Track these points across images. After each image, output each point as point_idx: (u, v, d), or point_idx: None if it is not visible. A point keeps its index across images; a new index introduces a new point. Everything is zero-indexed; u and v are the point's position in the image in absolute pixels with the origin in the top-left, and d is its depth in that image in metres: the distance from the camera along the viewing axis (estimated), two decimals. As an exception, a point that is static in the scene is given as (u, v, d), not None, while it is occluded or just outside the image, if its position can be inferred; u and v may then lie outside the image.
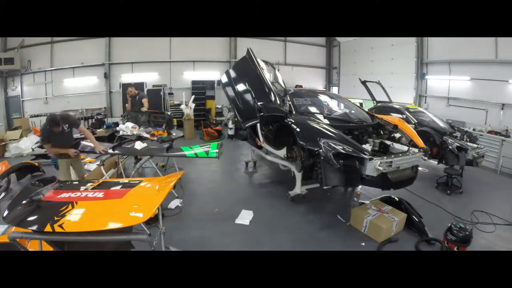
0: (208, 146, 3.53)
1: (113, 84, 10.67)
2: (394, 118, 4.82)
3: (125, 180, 2.53)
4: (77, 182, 2.38)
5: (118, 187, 2.08)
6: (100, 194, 1.92)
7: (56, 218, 1.59)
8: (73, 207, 1.73)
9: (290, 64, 13.01)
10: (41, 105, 10.24)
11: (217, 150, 3.31)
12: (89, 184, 2.17)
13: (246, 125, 4.66)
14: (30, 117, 9.57)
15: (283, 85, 4.95)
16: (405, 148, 3.83)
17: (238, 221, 3.79)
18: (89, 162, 5.59)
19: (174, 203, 4.17)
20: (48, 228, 1.54)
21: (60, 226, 1.54)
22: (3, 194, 4.32)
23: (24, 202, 1.88)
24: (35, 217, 1.69)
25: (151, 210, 1.66)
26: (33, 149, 7.13)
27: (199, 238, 3.41)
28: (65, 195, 1.93)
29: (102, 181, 2.27)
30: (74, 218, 1.63)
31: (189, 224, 3.72)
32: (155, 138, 5.46)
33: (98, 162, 4.72)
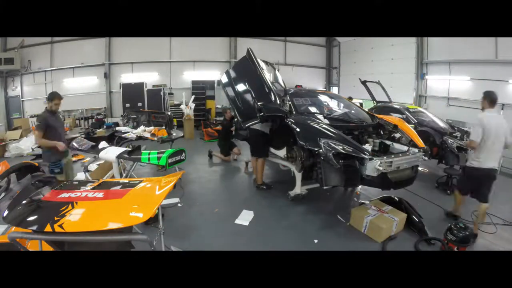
0: (163, 152, 3.19)
1: (113, 84, 10.68)
2: (394, 118, 4.82)
3: (125, 180, 2.52)
4: (77, 182, 2.38)
5: (118, 187, 2.07)
6: (100, 194, 1.91)
7: (56, 218, 1.59)
8: (73, 207, 1.72)
9: (290, 64, 13.01)
10: (41, 105, 10.20)
11: (168, 158, 3.07)
12: (89, 184, 2.17)
13: (246, 125, 4.66)
14: (30, 117, 9.57)
15: (283, 85, 4.95)
16: (405, 148, 3.83)
17: (238, 221, 3.79)
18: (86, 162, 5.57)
19: (173, 203, 4.17)
20: (48, 228, 1.53)
21: (60, 226, 1.53)
22: (3, 194, 4.32)
23: (24, 202, 1.88)
24: (35, 217, 1.69)
25: (151, 210, 1.65)
26: (33, 149, 7.13)
27: (199, 238, 3.41)
28: (65, 195, 1.93)
29: (102, 181, 2.27)
30: (74, 218, 1.63)
31: (189, 224, 3.72)
32: (155, 138, 5.47)
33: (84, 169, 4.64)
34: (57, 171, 3.81)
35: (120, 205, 1.79)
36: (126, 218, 1.62)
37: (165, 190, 1.96)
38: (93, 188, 2.06)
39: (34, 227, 1.59)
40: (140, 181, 2.18)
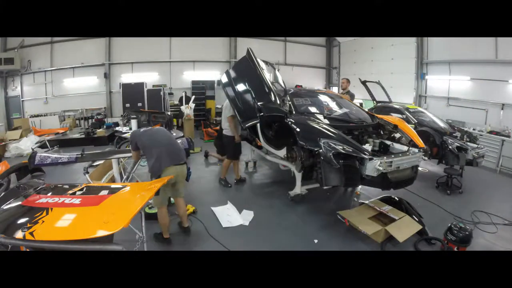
0: None
1: (113, 84, 10.67)
2: (394, 118, 4.82)
3: (109, 185, 2.46)
4: (66, 186, 2.29)
5: (99, 193, 2.03)
6: (77, 201, 1.88)
7: (28, 225, 1.58)
8: (47, 213, 1.71)
9: (290, 64, 13.00)
10: (41, 105, 10.24)
11: None
12: (75, 189, 2.14)
13: (246, 125, 4.66)
14: (30, 117, 9.56)
15: (283, 85, 4.95)
16: (405, 148, 3.83)
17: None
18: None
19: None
20: (19, 235, 1.51)
21: (31, 234, 1.51)
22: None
23: (4, 205, 1.87)
24: (9, 222, 1.67)
25: (124, 222, 1.56)
26: (33, 149, 7.12)
27: (199, 238, 3.41)
28: (43, 200, 1.91)
29: (85, 186, 2.24)
30: (46, 226, 1.59)
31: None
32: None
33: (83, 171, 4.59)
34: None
35: (94, 213, 1.75)
36: (95, 230, 1.57)
37: (145, 197, 1.92)
38: (73, 194, 2.03)
39: (7, 233, 1.57)
40: (124, 187, 2.14)
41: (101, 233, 1.53)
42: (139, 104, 9.84)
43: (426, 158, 4.00)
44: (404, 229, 3.26)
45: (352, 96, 6.65)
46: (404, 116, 5.99)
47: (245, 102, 4.65)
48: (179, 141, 4.21)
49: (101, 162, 5.08)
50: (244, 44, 10.90)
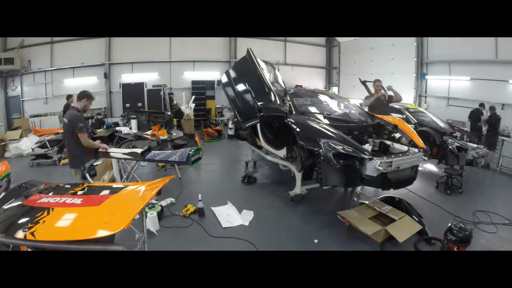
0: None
1: (113, 84, 10.67)
2: (394, 118, 4.82)
3: (110, 185, 2.45)
4: (68, 186, 2.29)
5: (100, 193, 2.03)
6: (78, 201, 1.88)
7: (29, 225, 1.58)
8: (48, 213, 1.70)
9: (290, 64, 13.01)
10: (41, 105, 10.23)
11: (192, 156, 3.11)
12: (76, 188, 2.14)
13: (246, 125, 4.66)
14: (30, 117, 9.56)
15: (283, 85, 4.95)
16: (405, 148, 3.83)
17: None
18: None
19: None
20: (20, 235, 1.52)
21: (32, 234, 1.51)
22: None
23: (5, 205, 1.86)
24: (10, 222, 1.67)
25: (125, 222, 1.56)
26: (33, 149, 7.13)
27: (199, 238, 3.41)
28: (45, 200, 1.91)
29: (87, 185, 2.24)
30: (46, 226, 1.59)
31: (188, 223, 3.72)
32: (155, 138, 5.47)
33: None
34: (93, 173, 3.99)
35: (94, 213, 1.75)
36: (95, 230, 1.56)
37: (146, 197, 1.91)
38: (74, 193, 2.03)
39: (7, 233, 1.57)
40: (125, 186, 2.14)
41: (102, 233, 1.53)
42: (139, 104, 9.86)
43: (426, 158, 4.00)
44: (404, 229, 3.26)
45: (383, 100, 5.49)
46: (404, 116, 5.99)
47: (245, 102, 4.65)
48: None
49: (101, 161, 5.07)
50: (244, 44, 10.90)
